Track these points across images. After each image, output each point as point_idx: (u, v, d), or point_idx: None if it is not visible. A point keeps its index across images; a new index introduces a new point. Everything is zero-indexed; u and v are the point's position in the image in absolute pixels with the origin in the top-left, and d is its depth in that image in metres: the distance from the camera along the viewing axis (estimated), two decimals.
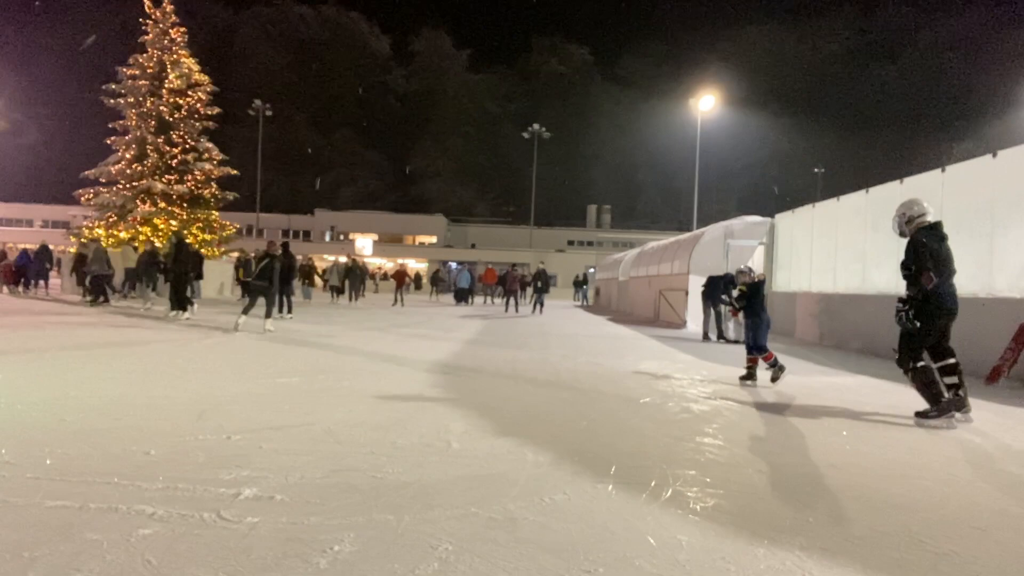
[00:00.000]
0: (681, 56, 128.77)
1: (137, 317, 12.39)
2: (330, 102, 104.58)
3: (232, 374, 6.08)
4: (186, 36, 25.95)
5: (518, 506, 2.69)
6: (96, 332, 9.50)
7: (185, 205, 25.24)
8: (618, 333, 13.61)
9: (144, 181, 24.63)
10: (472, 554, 2.20)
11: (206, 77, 26.23)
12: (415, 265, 50.83)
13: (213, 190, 26.17)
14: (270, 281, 10.61)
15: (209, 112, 26.35)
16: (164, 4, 25.47)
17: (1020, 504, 3.01)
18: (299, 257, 21.51)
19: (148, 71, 25.27)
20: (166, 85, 25.13)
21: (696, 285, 13.83)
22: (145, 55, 25.39)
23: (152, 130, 25.00)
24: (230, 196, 27.07)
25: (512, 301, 20.77)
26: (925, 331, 4.68)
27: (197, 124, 26.00)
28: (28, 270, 19.90)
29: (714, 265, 14.45)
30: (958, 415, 4.69)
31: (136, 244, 20.72)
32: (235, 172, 27.15)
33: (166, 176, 24.95)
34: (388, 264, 49.94)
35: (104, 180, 25.35)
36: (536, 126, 49.80)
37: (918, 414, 4.71)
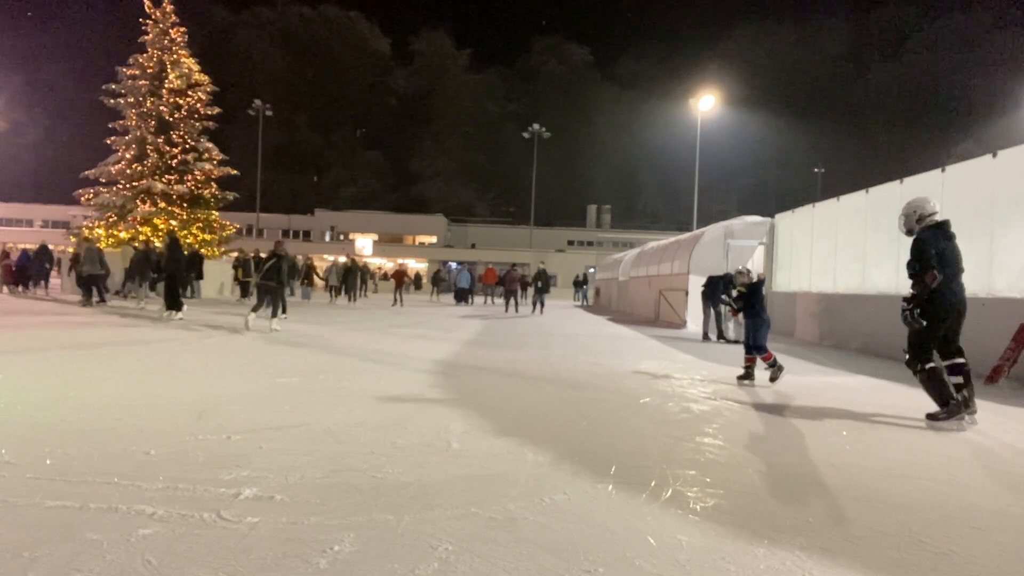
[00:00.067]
0: (681, 56, 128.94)
1: (132, 317, 12.39)
2: (330, 102, 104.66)
3: (232, 374, 6.08)
4: (186, 36, 25.99)
5: (518, 506, 2.69)
6: (96, 332, 9.50)
7: (185, 205, 25.27)
8: (618, 333, 13.61)
9: (144, 181, 24.65)
10: (472, 554, 2.20)
11: (206, 77, 26.27)
12: (415, 265, 50.83)
13: (213, 190, 26.20)
14: (279, 281, 10.74)
15: (209, 112, 26.38)
16: (164, 4, 25.50)
17: (1020, 504, 3.01)
18: (299, 257, 21.54)
19: (148, 71, 25.29)
20: (166, 85, 25.15)
21: (696, 285, 13.82)
22: (145, 55, 25.41)
23: (152, 130, 25.02)
24: (230, 196, 27.09)
25: (512, 301, 20.77)
26: (932, 330, 4.64)
27: (197, 124, 26.02)
28: (28, 270, 19.91)
29: (714, 265, 14.45)
30: (966, 417, 4.66)
31: (135, 244, 20.72)
32: (235, 172, 27.21)
33: (166, 176, 24.97)
34: (388, 264, 49.93)
35: (104, 180, 25.38)
36: (536, 126, 49.80)
37: (929, 416, 4.68)
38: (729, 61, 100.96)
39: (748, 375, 6.60)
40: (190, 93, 25.65)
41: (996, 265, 7.82)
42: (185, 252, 20.93)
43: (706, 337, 12.20)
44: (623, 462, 3.44)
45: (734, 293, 7.17)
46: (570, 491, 2.92)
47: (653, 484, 3.07)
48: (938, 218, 4.83)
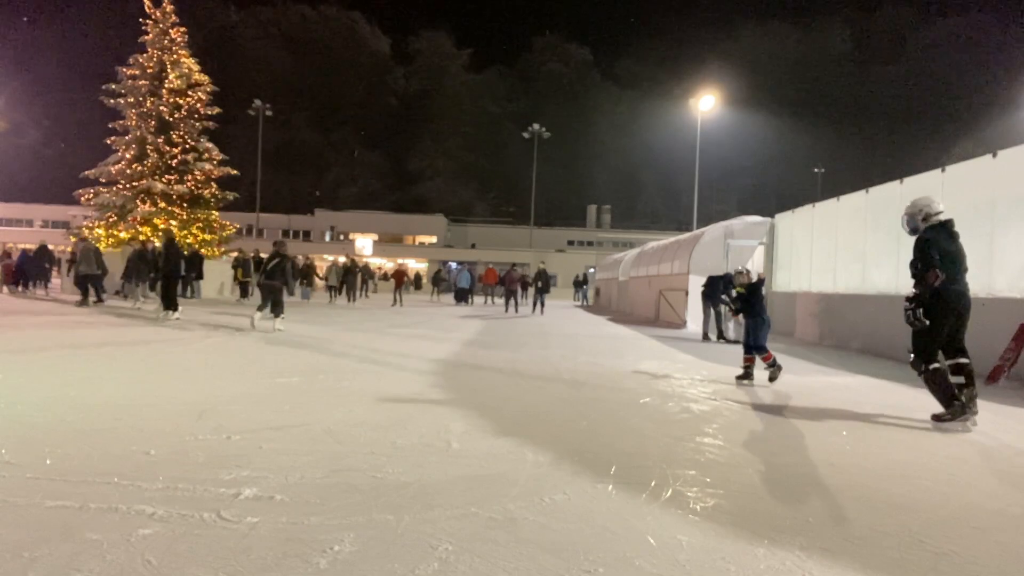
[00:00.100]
0: (681, 56, 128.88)
1: (128, 317, 12.39)
2: (330, 102, 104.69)
3: (232, 374, 6.08)
4: (186, 36, 25.99)
5: (518, 506, 2.69)
6: (96, 332, 9.50)
7: (185, 205, 25.27)
8: (618, 333, 13.61)
9: (144, 181, 24.65)
10: (472, 554, 2.20)
11: (206, 77, 26.27)
12: (415, 265, 50.84)
13: (213, 190, 26.19)
14: (284, 281, 10.82)
15: (209, 112, 26.38)
16: (164, 4, 25.50)
17: (1020, 504, 3.01)
18: (299, 257, 21.54)
19: (148, 71, 25.30)
20: (166, 85, 25.15)
21: (696, 285, 13.83)
22: (145, 55, 25.41)
23: (152, 130, 25.02)
24: (230, 196, 27.09)
25: (512, 301, 20.77)
26: (935, 330, 4.60)
27: (197, 124, 26.02)
28: (28, 270, 19.92)
29: (714, 265, 14.45)
30: (971, 418, 4.62)
31: (133, 244, 20.73)
32: (235, 172, 27.20)
33: (166, 176, 24.97)
34: (388, 264, 49.94)
35: (104, 180, 25.37)
36: (536, 126, 49.79)
37: (934, 417, 4.65)
38: (729, 61, 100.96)
39: (747, 375, 6.60)
40: (190, 93, 25.65)
41: (996, 265, 7.82)
42: (185, 252, 21.02)
43: (706, 337, 12.20)
44: (623, 462, 3.44)
45: (733, 293, 7.17)
46: (570, 491, 2.92)
47: (653, 484, 3.07)
48: (942, 218, 4.81)
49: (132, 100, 25.21)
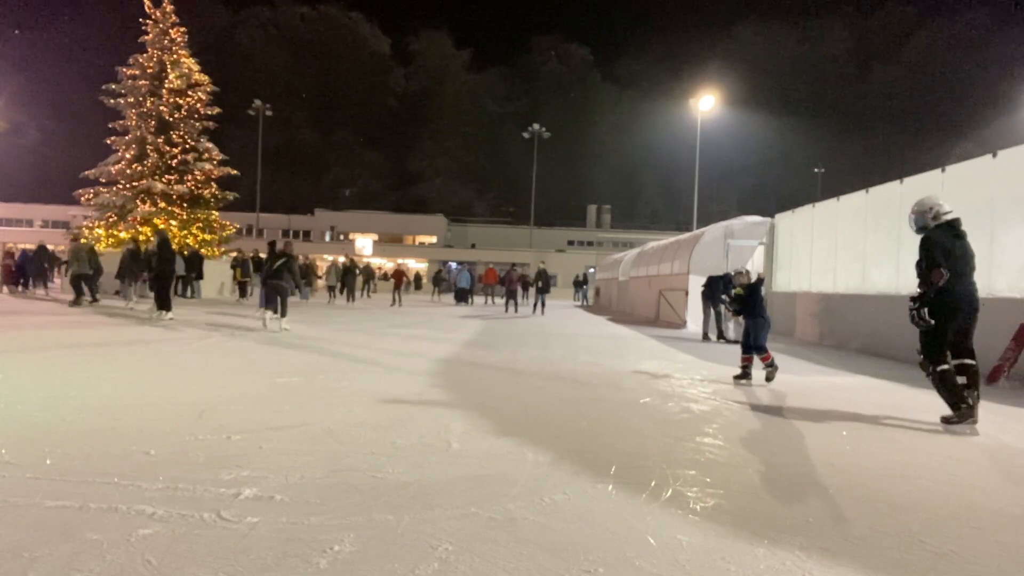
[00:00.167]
0: (681, 56, 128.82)
1: (121, 316, 12.38)
2: (330, 102, 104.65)
3: (232, 374, 6.08)
4: (186, 36, 26.01)
5: (518, 506, 2.69)
6: (96, 332, 9.50)
7: (185, 205, 25.28)
8: (618, 333, 13.62)
9: (144, 181, 24.66)
10: (472, 554, 2.20)
11: (206, 77, 26.29)
12: (415, 265, 50.85)
13: (213, 190, 26.21)
14: (296, 283, 10.98)
15: (209, 112, 26.40)
16: (164, 4, 25.51)
17: (1020, 504, 3.01)
18: (299, 257, 21.54)
19: (148, 71, 25.31)
20: (166, 85, 25.16)
21: (696, 285, 13.82)
22: (145, 55, 25.43)
23: (152, 130, 25.04)
24: (230, 196, 27.11)
25: (512, 301, 20.77)
26: (941, 331, 4.53)
27: (197, 124, 26.04)
28: (29, 270, 19.93)
29: (714, 265, 14.45)
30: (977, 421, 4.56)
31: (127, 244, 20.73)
32: (235, 172, 27.22)
33: (166, 176, 24.99)
34: (388, 264, 49.95)
35: (104, 180, 25.39)
36: (536, 126, 49.79)
37: (943, 419, 4.61)
38: (729, 61, 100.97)
39: (745, 375, 6.61)
40: (190, 93, 25.67)
41: (996, 265, 7.81)
42: (184, 252, 21.02)
43: (706, 337, 12.20)
44: (623, 462, 3.44)
45: (733, 293, 7.18)
46: (570, 491, 2.92)
47: (653, 484, 3.07)
48: (950, 217, 4.76)
49: (132, 100, 25.23)
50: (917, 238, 4.76)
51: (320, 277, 23.17)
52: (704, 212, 35.47)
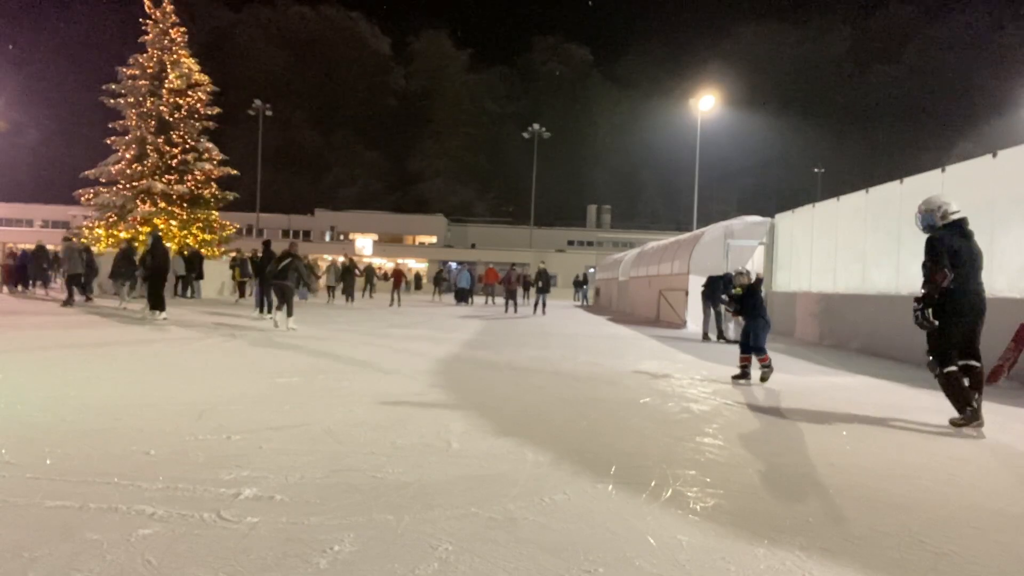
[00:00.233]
0: (681, 56, 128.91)
1: (113, 316, 12.37)
2: (330, 102, 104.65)
3: (232, 374, 6.08)
4: (186, 36, 26.00)
5: (518, 506, 2.69)
6: (96, 332, 9.50)
7: (185, 205, 25.27)
8: (618, 333, 13.61)
9: (144, 181, 24.66)
10: (472, 554, 2.20)
11: (206, 77, 26.27)
12: (415, 265, 50.85)
13: (213, 190, 26.21)
14: (298, 282, 11.07)
15: (209, 112, 26.39)
16: (164, 4, 25.50)
17: (1020, 504, 3.01)
18: (305, 257, 21.57)
19: (148, 71, 25.30)
20: (166, 85, 25.15)
21: (696, 285, 13.83)
22: (145, 55, 25.42)
23: (152, 130, 25.03)
24: (230, 196, 27.11)
25: (512, 302, 20.76)
26: (947, 332, 4.49)
27: (197, 124, 26.03)
28: (28, 270, 19.94)
29: (714, 265, 14.45)
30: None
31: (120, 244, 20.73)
32: (235, 172, 27.23)
33: (166, 176, 24.98)
34: (388, 264, 49.95)
35: (104, 180, 25.39)
36: (536, 126, 49.81)
37: (952, 421, 4.58)
38: (729, 61, 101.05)
39: (743, 375, 6.62)
40: (190, 93, 25.66)
41: (996, 265, 7.81)
42: (184, 252, 21.03)
43: (706, 337, 12.20)
44: (623, 462, 3.44)
45: (732, 293, 7.18)
46: (570, 491, 2.92)
47: (653, 484, 3.07)
48: (957, 217, 4.73)
49: (132, 100, 25.22)
50: (918, 238, 4.73)
51: (320, 276, 23.15)
52: (704, 212, 35.46)
